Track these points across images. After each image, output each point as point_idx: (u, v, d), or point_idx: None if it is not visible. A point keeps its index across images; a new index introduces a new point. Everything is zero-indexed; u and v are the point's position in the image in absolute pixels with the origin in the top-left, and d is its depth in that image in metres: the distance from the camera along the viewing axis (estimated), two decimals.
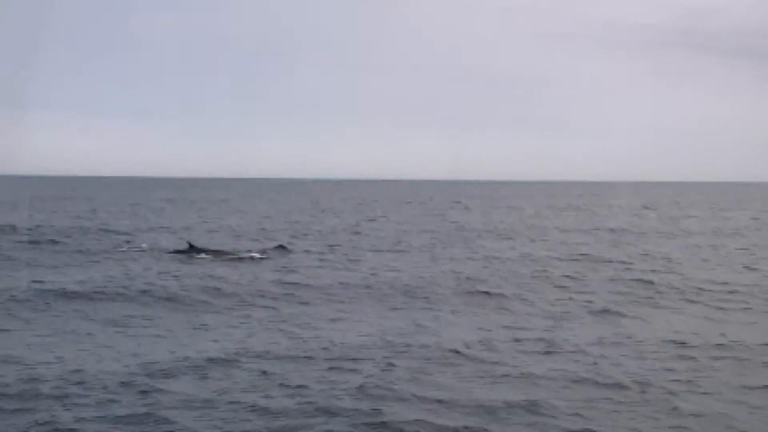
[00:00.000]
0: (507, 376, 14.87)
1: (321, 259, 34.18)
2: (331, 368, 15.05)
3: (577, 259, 35.56)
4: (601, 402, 13.22)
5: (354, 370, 14.93)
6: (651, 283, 27.91)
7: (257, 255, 33.70)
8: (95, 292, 23.83)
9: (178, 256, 33.17)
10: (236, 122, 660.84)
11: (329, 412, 12.33)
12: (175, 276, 27.45)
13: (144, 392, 13.31)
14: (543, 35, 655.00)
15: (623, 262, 34.40)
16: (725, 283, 28.05)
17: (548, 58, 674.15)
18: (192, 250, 33.51)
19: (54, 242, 39.43)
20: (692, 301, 24.35)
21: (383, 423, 11.81)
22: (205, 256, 32.66)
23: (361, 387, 13.66)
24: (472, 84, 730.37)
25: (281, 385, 13.88)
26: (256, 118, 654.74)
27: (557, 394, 13.71)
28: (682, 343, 17.77)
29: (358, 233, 50.28)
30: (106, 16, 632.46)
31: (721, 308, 23.09)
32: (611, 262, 34.80)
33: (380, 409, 12.38)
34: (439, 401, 13.12)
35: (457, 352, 16.59)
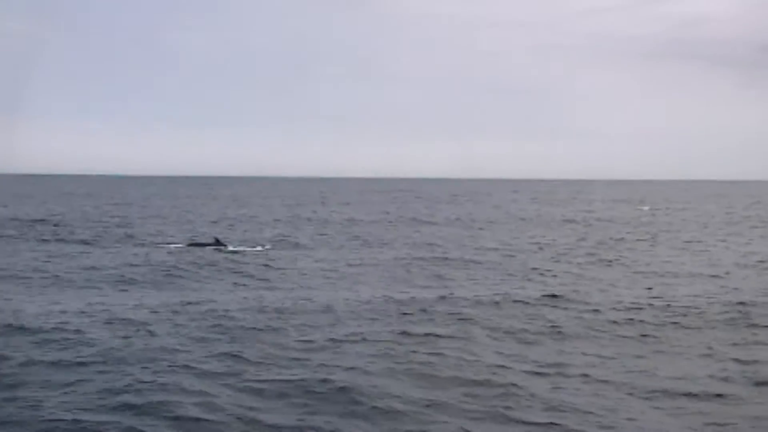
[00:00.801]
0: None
1: (305, 251, 34.90)
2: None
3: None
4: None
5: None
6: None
7: (260, 248, 34.90)
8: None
9: (204, 249, 33.63)
10: (259, 126, 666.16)
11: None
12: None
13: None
14: (541, 47, 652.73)
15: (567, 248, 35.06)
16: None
17: (546, 69, 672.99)
18: (218, 244, 34.59)
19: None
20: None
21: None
22: (220, 248, 33.87)
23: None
24: (477, 94, 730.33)
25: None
26: (278, 123, 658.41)
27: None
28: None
29: (347, 225, 51.04)
30: (140, 31, 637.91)
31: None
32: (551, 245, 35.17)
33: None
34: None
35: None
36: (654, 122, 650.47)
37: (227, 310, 18.75)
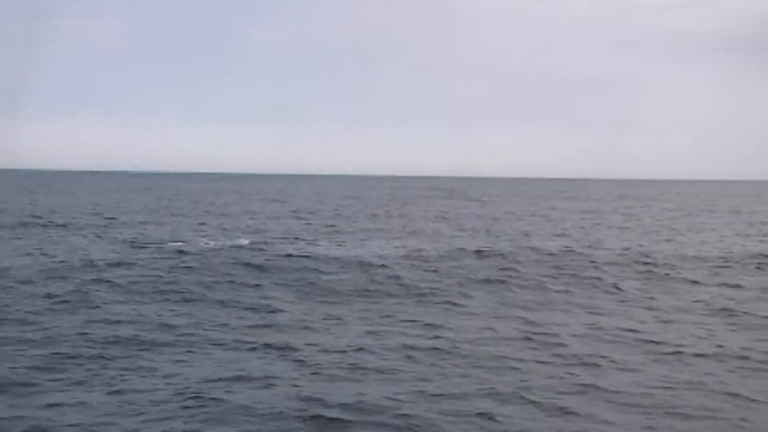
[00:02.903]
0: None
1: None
2: None
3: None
4: None
5: None
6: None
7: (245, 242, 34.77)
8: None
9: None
10: (319, 123, 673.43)
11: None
12: None
13: None
14: (614, 43, 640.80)
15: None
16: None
17: (619, 64, 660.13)
18: None
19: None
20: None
21: None
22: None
23: None
24: (549, 88, 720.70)
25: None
26: (340, 120, 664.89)
27: None
28: None
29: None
30: (207, 31, 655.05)
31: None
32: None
33: None
34: None
35: None
36: (726, 120, 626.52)
37: None
